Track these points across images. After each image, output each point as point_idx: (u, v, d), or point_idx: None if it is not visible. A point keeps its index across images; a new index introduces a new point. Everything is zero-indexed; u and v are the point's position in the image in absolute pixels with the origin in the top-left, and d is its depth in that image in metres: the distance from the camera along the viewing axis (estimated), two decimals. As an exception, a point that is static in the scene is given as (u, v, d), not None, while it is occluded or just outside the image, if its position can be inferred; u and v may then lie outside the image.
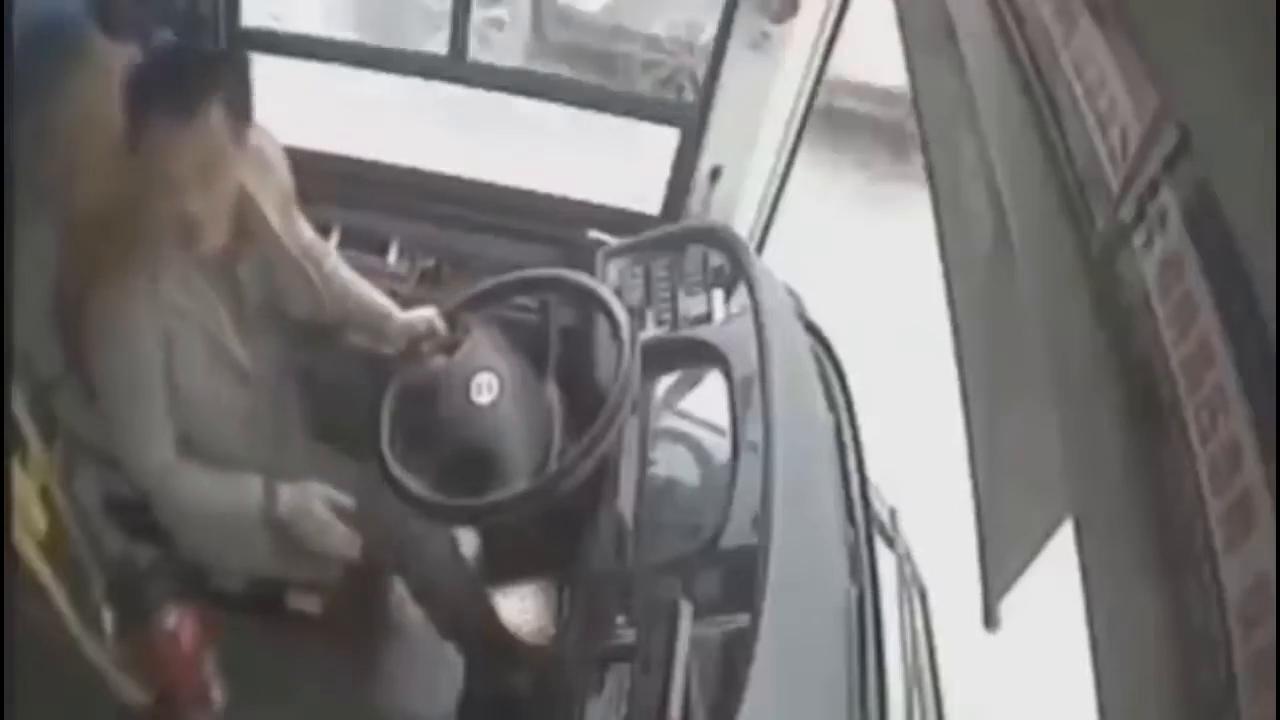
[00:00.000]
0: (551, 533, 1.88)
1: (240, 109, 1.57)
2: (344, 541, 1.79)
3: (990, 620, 1.50)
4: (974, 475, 1.53)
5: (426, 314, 1.97)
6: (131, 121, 1.53)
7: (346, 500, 1.79)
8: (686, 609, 1.51)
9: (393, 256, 2.69)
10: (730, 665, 1.46)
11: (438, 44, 2.54)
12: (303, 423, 1.94)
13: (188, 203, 1.56)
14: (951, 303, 1.59)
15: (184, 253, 1.64)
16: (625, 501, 1.80)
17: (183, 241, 1.63)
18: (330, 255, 1.98)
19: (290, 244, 1.80)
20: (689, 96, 3.03)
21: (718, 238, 2.15)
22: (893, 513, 2.09)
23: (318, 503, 1.77)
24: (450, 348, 1.94)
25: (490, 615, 1.98)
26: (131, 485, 1.78)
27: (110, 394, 1.68)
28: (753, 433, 1.74)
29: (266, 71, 2.52)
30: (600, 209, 2.69)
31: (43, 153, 1.70)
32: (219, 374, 1.73)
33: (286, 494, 1.76)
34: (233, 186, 1.62)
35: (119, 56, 1.83)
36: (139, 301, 1.61)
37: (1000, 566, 1.47)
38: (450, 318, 1.99)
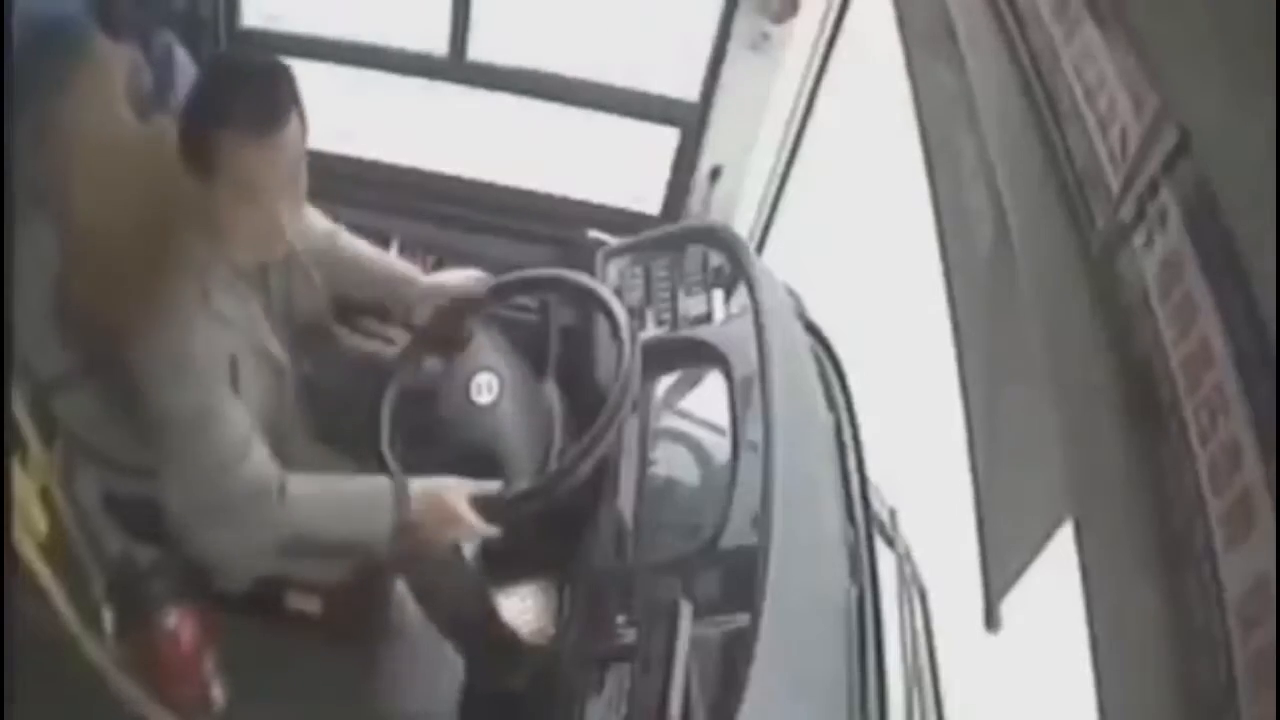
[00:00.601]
0: (551, 533, 1.88)
1: (305, 121, 1.57)
2: (468, 534, 1.72)
3: (991, 620, 1.50)
4: (974, 475, 1.54)
5: (461, 273, 1.98)
6: (204, 142, 1.50)
7: (492, 486, 1.71)
8: (686, 609, 1.51)
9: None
10: (730, 665, 1.46)
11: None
12: (303, 424, 1.94)
13: (281, 212, 1.56)
14: (951, 302, 1.59)
15: (229, 264, 1.63)
16: (625, 501, 1.80)
17: (265, 252, 1.63)
18: (342, 234, 1.98)
19: (300, 247, 1.81)
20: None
21: (718, 238, 2.15)
22: (893, 513, 2.09)
23: (451, 495, 1.68)
24: (461, 341, 1.95)
25: (492, 615, 1.98)
26: (237, 519, 1.60)
27: (189, 426, 1.57)
28: (753, 433, 1.74)
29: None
30: (600, 209, 2.69)
31: (42, 153, 1.70)
32: (264, 377, 1.71)
33: (418, 489, 1.66)
34: (303, 195, 1.62)
35: (119, 56, 1.83)
36: (198, 325, 1.57)
37: (1000, 567, 1.47)
38: (451, 316, 2.00)
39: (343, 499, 1.66)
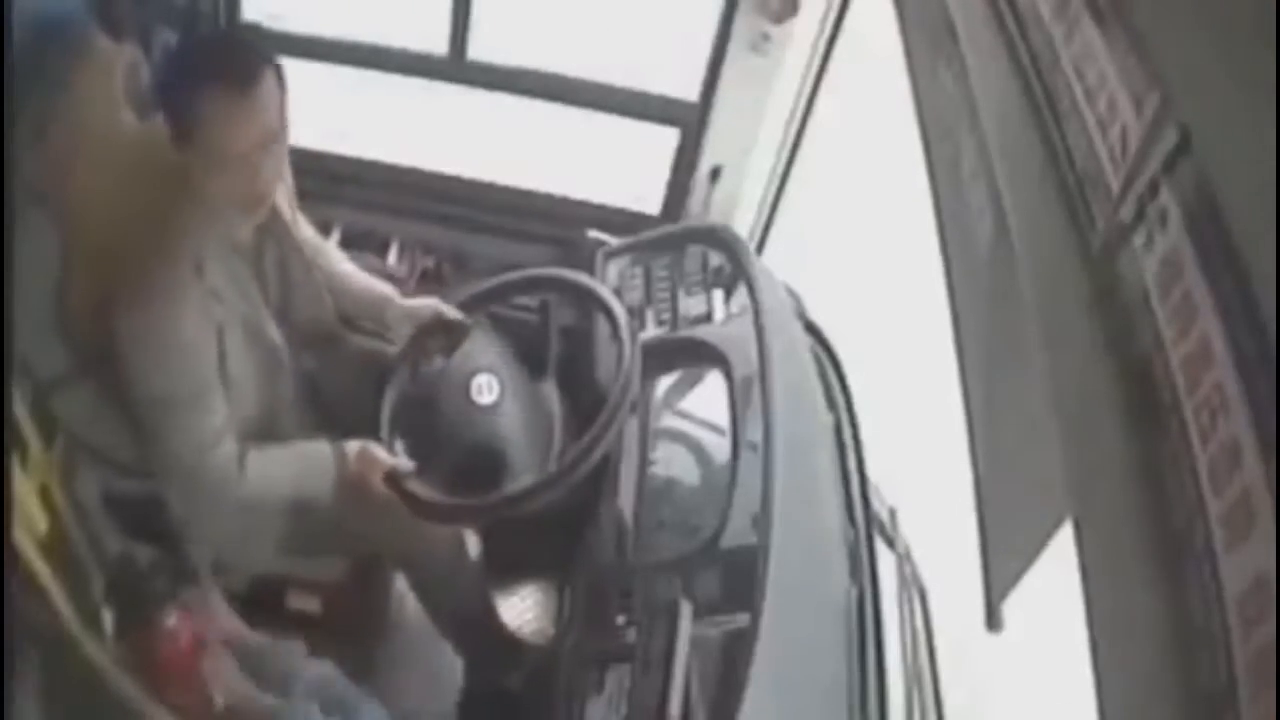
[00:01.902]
0: (551, 533, 1.88)
1: (284, 85, 1.58)
2: (390, 481, 1.78)
3: (992, 621, 1.50)
4: (974, 475, 1.53)
5: (430, 301, 1.98)
6: (180, 104, 1.52)
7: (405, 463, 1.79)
8: (686, 609, 1.51)
9: (393, 256, 2.70)
10: (730, 665, 1.46)
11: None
12: (304, 421, 1.95)
13: (255, 176, 1.56)
14: (951, 302, 1.59)
15: (225, 238, 1.65)
16: (625, 501, 1.80)
17: (246, 213, 1.64)
18: (327, 249, 2.00)
19: (300, 240, 1.81)
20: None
21: (718, 238, 2.15)
22: (893, 513, 2.08)
23: (382, 452, 1.78)
24: (454, 343, 1.95)
25: (492, 613, 1.98)
26: (183, 489, 1.71)
27: (168, 401, 1.62)
28: (753, 433, 1.74)
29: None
30: (600, 209, 2.69)
31: (42, 152, 1.70)
32: (257, 358, 1.73)
33: (353, 449, 1.76)
34: (282, 163, 1.63)
35: (119, 56, 1.83)
36: (190, 301, 1.59)
37: (1001, 567, 1.47)
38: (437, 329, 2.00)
39: (292, 459, 1.75)
